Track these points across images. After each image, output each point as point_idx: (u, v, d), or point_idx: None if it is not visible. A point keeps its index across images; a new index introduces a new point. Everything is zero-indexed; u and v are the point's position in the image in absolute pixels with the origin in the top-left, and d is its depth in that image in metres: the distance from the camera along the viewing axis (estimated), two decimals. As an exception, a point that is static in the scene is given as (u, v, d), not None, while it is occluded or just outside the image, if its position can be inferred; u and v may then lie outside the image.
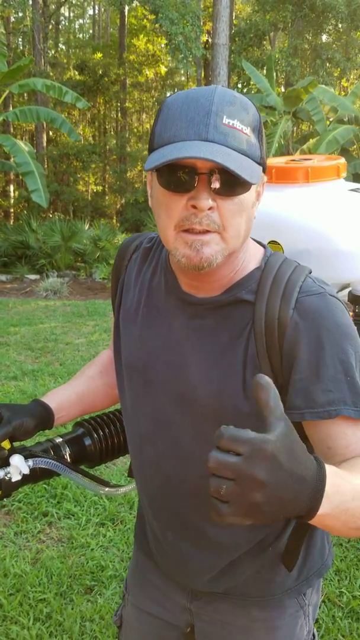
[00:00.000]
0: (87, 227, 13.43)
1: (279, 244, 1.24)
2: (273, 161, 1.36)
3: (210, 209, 0.87)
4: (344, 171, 1.30)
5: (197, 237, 0.88)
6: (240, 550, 1.08)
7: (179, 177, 0.86)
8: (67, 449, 1.21)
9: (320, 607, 2.47)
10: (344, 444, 0.90)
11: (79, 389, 1.29)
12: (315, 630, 1.22)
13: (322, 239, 1.21)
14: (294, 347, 0.93)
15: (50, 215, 17.42)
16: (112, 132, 26.64)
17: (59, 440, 1.22)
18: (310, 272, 1.00)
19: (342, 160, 1.31)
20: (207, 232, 0.88)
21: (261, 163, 0.92)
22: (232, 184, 0.86)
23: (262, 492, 0.67)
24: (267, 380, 0.69)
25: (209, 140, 0.83)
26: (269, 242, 1.24)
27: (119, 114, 25.68)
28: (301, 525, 1.09)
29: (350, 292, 1.30)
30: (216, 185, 0.85)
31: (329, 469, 0.76)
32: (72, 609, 2.43)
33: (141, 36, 23.83)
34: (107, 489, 1.29)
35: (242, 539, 1.08)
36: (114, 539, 2.91)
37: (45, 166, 18.47)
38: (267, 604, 1.13)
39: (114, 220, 20.06)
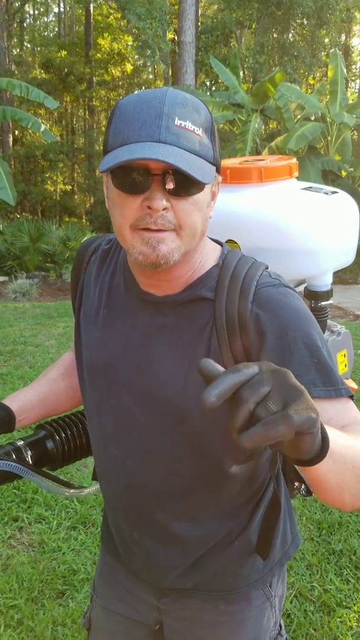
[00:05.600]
0: (55, 227, 13.30)
1: (236, 242, 1.25)
2: (227, 162, 1.38)
3: (164, 209, 0.87)
4: (296, 171, 1.32)
5: (153, 235, 0.89)
6: (207, 546, 1.10)
7: (133, 178, 0.87)
8: (29, 452, 1.20)
9: (291, 602, 2.49)
10: (325, 419, 0.88)
11: (41, 392, 1.28)
12: (282, 621, 1.24)
13: (278, 236, 1.22)
14: (257, 339, 0.94)
15: (18, 216, 17.20)
16: (80, 131, 26.45)
17: (20, 443, 1.21)
18: (267, 268, 1.01)
19: (294, 160, 1.33)
20: (162, 230, 0.89)
21: (214, 163, 0.93)
22: (186, 185, 0.87)
23: (295, 381, 0.64)
24: (207, 363, 0.65)
25: (161, 141, 0.84)
26: (227, 241, 1.25)
27: (87, 113, 25.48)
28: (270, 512, 1.11)
29: (305, 288, 1.32)
30: (170, 185, 0.86)
31: None
32: (44, 614, 2.41)
33: (106, 35, 23.67)
34: (71, 490, 1.28)
35: (207, 534, 1.09)
36: (85, 542, 2.89)
37: (12, 166, 18.23)
38: (234, 597, 1.15)
39: (84, 220, 19.92)
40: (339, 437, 0.79)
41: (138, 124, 0.86)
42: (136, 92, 0.94)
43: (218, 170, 0.96)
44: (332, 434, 0.75)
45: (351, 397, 0.94)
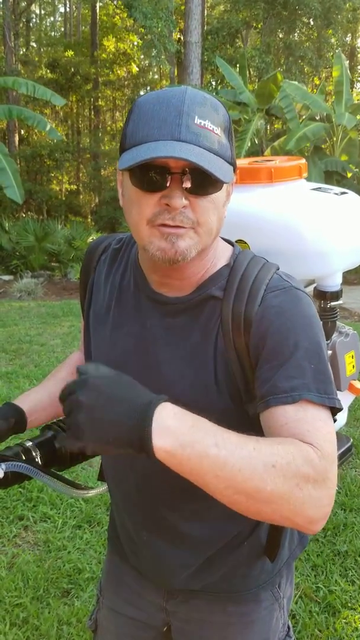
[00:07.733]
0: (60, 226, 13.31)
1: (245, 242, 1.25)
2: (237, 162, 1.38)
3: (183, 207, 0.88)
4: (305, 171, 1.33)
5: (172, 230, 0.89)
6: (215, 547, 1.09)
7: (151, 176, 0.87)
8: (38, 452, 1.20)
9: (297, 603, 2.49)
10: (281, 422, 0.87)
11: (51, 392, 1.27)
12: (289, 622, 1.24)
13: (288, 236, 1.23)
14: (259, 340, 0.93)
15: (24, 215, 17.22)
16: (85, 131, 26.48)
17: (29, 443, 1.21)
18: (278, 269, 1.01)
19: (303, 160, 1.34)
20: (181, 227, 0.89)
21: (231, 163, 0.93)
22: (205, 183, 0.88)
23: (83, 413, 0.76)
24: None
25: (181, 140, 0.85)
26: (236, 241, 1.25)
27: (92, 112, 25.51)
28: None
29: (315, 288, 1.32)
30: (188, 184, 0.87)
31: (183, 411, 0.79)
32: (49, 612, 2.41)
33: (110, 36, 23.71)
34: (79, 491, 1.28)
35: (217, 534, 1.09)
36: (90, 541, 2.89)
37: (18, 165, 18.25)
38: (242, 598, 1.14)
39: (89, 219, 19.93)
40: (213, 443, 0.78)
41: (158, 122, 0.86)
42: (154, 90, 0.94)
43: (234, 170, 0.96)
44: (207, 439, 0.78)
45: (335, 412, 0.90)
